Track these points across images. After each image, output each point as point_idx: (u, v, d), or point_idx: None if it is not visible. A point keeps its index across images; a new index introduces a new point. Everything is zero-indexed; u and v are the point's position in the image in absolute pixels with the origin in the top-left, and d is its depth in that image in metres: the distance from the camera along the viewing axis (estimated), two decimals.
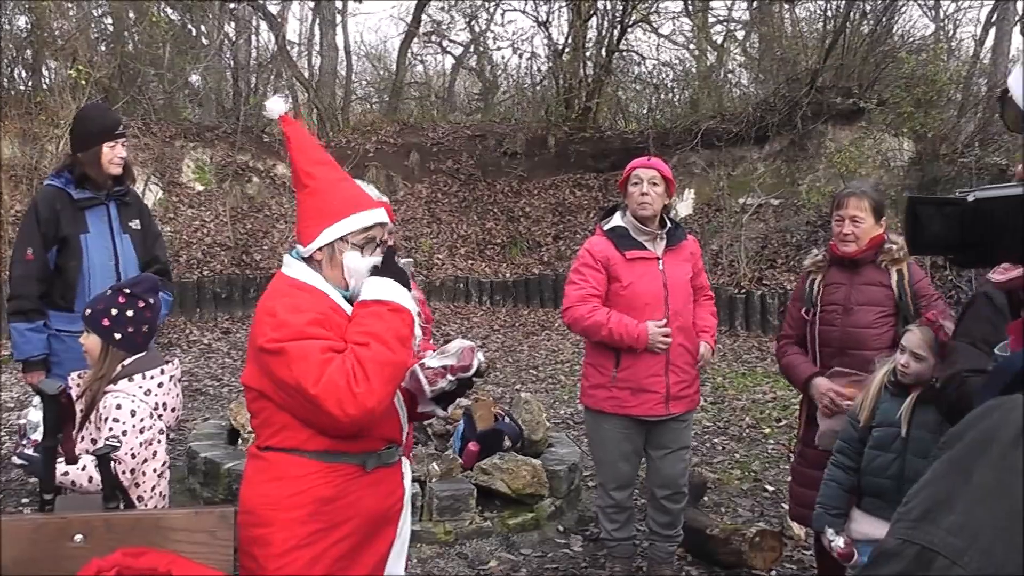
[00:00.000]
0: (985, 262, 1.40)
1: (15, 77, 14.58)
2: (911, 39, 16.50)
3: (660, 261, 4.82)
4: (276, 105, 3.11)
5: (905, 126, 14.25)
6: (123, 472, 3.31)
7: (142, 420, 3.42)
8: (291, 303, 2.85)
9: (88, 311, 3.50)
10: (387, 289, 2.91)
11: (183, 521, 2.90)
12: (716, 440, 8.27)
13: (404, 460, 3.17)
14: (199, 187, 14.83)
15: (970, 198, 1.30)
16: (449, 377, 3.05)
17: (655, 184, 4.79)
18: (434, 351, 3.18)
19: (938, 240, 1.36)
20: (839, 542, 3.93)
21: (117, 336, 3.48)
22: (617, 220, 4.93)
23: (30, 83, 14.51)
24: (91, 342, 3.50)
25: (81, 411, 3.44)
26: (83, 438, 3.45)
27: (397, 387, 2.90)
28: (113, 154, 4.87)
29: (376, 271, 2.94)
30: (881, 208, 4.48)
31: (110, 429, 3.36)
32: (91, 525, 2.78)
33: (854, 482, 3.98)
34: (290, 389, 2.77)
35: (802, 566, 5.56)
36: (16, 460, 3.21)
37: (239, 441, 6.37)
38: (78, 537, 2.74)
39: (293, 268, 2.99)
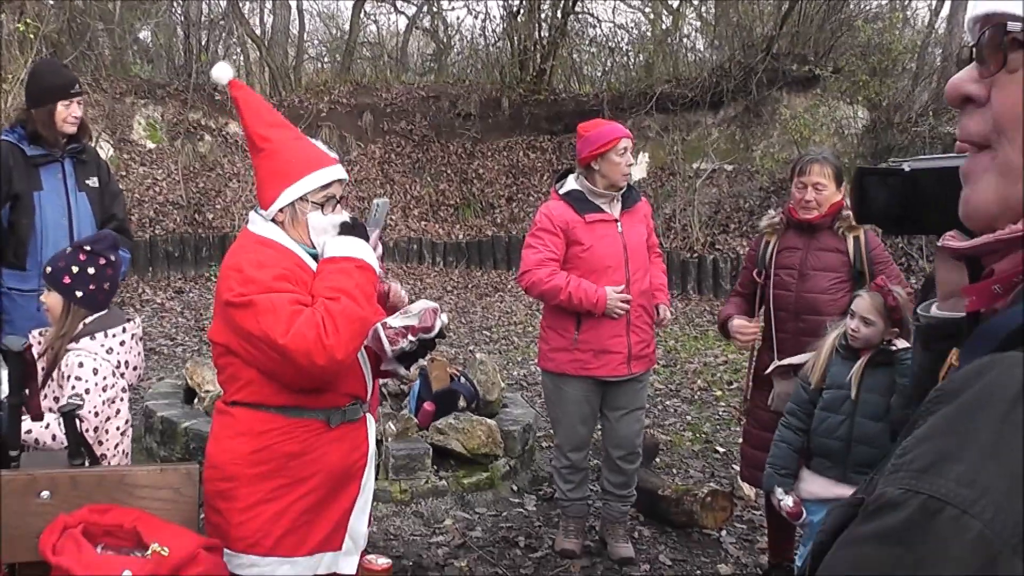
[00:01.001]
0: (914, 231, 1.44)
1: None
2: (867, 7, 16.61)
3: (619, 223, 4.87)
4: (223, 71, 3.09)
5: (860, 94, 14.39)
6: (86, 430, 3.32)
7: (104, 378, 3.43)
8: (256, 259, 2.88)
9: (49, 269, 3.49)
10: (354, 247, 2.95)
11: (148, 478, 2.93)
12: (668, 402, 8.39)
13: (369, 417, 3.21)
14: (150, 145, 14.64)
15: (905, 167, 1.33)
16: (410, 338, 3.09)
17: (631, 153, 4.90)
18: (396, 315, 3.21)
19: (882, 211, 1.37)
20: (788, 501, 4.05)
21: (79, 294, 3.48)
22: (571, 183, 4.95)
23: None
24: (52, 300, 3.49)
25: (42, 369, 3.45)
26: (45, 396, 3.46)
27: (363, 342, 2.94)
28: (67, 113, 4.80)
29: (342, 229, 2.96)
30: (841, 175, 4.54)
31: (72, 387, 3.37)
32: (57, 482, 2.80)
33: (803, 443, 4.08)
34: (257, 341, 2.80)
35: (752, 525, 5.69)
36: None
37: (195, 400, 6.36)
38: (44, 494, 2.76)
39: (258, 225, 3.00)
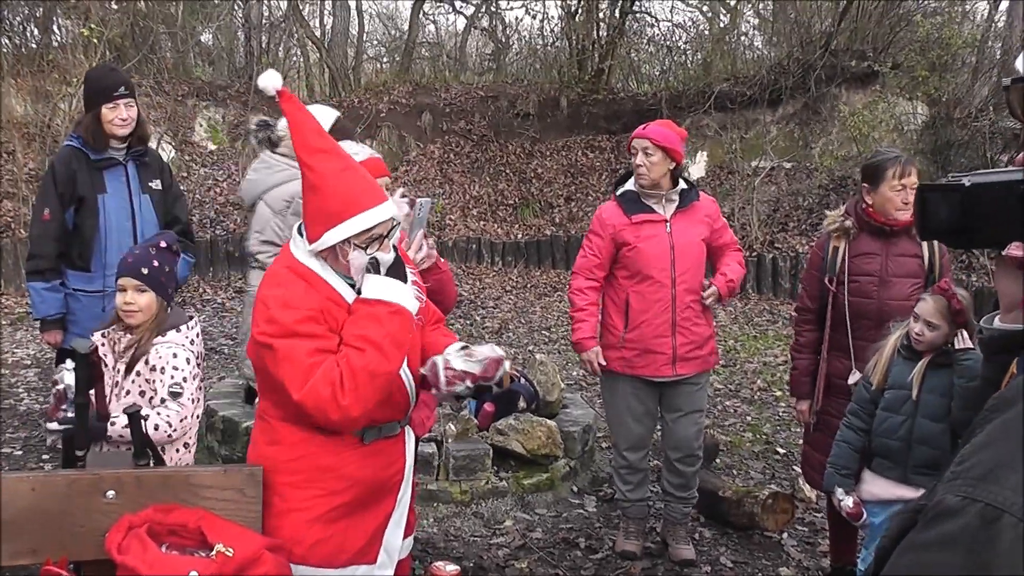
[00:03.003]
0: (975, 245, 1.42)
1: (27, 35, 14.54)
2: (926, 2, 16.32)
3: (668, 224, 4.85)
4: (271, 80, 2.95)
5: (919, 90, 14.16)
6: (181, 419, 3.48)
7: (194, 368, 3.55)
8: (284, 297, 2.81)
9: (144, 270, 3.56)
10: (390, 289, 2.86)
11: (212, 479, 2.95)
12: (728, 403, 8.32)
13: (408, 431, 3.18)
14: (211, 146, 14.83)
15: (965, 182, 1.31)
16: (468, 384, 3.01)
17: (648, 153, 4.80)
18: (461, 347, 3.12)
19: (943, 226, 1.36)
20: (848, 501, 4.02)
21: (170, 291, 3.62)
22: (629, 185, 4.99)
23: (42, 41, 14.46)
24: (148, 299, 3.58)
25: (120, 367, 3.56)
26: (128, 392, 3.57)
27: (387, 393, 2.88)
28: (114, 115, 4.84)
29: (376, 267, 2.87)
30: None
31: (171, 378, 3.50)
32: (122, 481, 2.83)
33: (864, 443, 4.06)
34: (276, 383, 2.79)
35: (813, 528, 5.62)
36: (53, 426, 3.23)
37: (256, 400, 6.41)
38: (110, 493, 2.80)
39: (300, 250, 2.92)
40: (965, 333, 3.84)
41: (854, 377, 4.40)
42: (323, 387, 2.70)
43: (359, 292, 2.89)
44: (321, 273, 2.87)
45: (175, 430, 3.48)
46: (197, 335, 3.67)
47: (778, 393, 8.60)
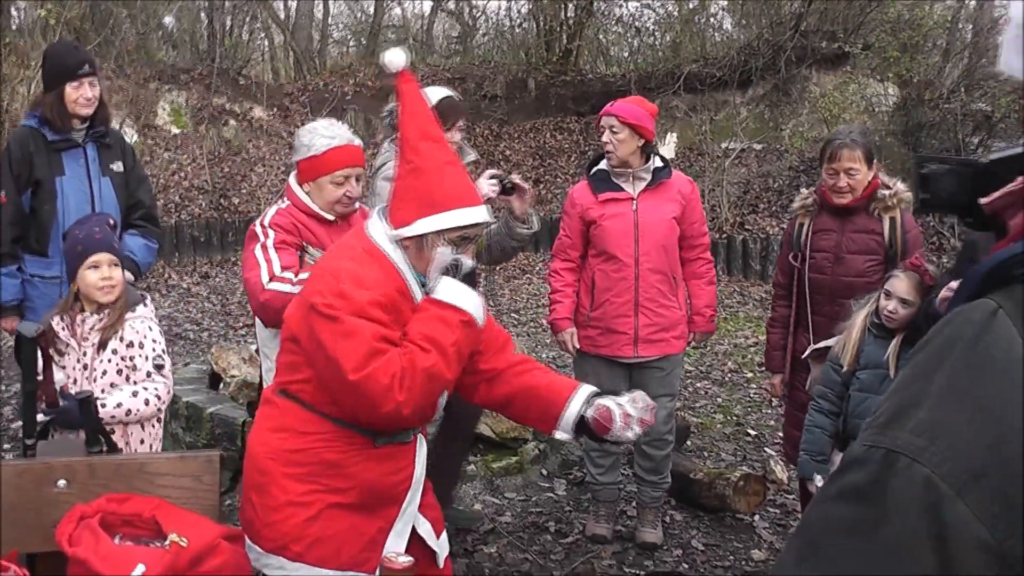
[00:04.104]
0: (975, 223, 1.41)
1: None
2: None
3: (634, 202, 4.79)
4: (397, 57, 2.89)
5: (890, 71, 14.16)
6: (170, 390, 3.52)
7: (152, 350, 3.50)
8: (358, 273, 2.72)
9: (116, 245, 3.54)
10: (467, 297, 2.79)
11: (168, 466, 2.87)
12: (698, 384, 8.29)
13: (420, 438, 3.06)
14: (175, 130, 14.62)
15: (985, 159, 1.32)
16: (637, 430, 2.92)
17: (615, 131, 4.74)
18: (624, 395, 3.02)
19: (950, 199, 1.38)
20: None
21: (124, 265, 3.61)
22: (602, 164, 4.93)
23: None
24: (119, 274, 3.54)
25: (99, 343, 3.50)
26: (106, 372, 3.49)
27: (436, 399, 2.82)
28: (78, 94, 4.66)
29: (455, 270, 2.80)
30: (872, 154, 4.44)
31: (153, 351, 3.49)
32: (74, 470, 2.74)
33: (837, 427, 4.01)
34: (327, 358, 2.67)
35: (785, 510, 5.59)
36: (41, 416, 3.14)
37: (220, 385, 6.32)
38: (61, 482, 2.70)
39: (378, 234, 2.83)
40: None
41: (808, 351, 4.42)
42: (383, 376, 2.62)
43: (427, 292, 2.81)
44: (397, 262, 2.79)
45: (164, 403, 3.48)
46: (153, 312, 3.62)
47: (749, 375, 8.58)
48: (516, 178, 4.50)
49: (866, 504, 0.94)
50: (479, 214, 2.83)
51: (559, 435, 2.99)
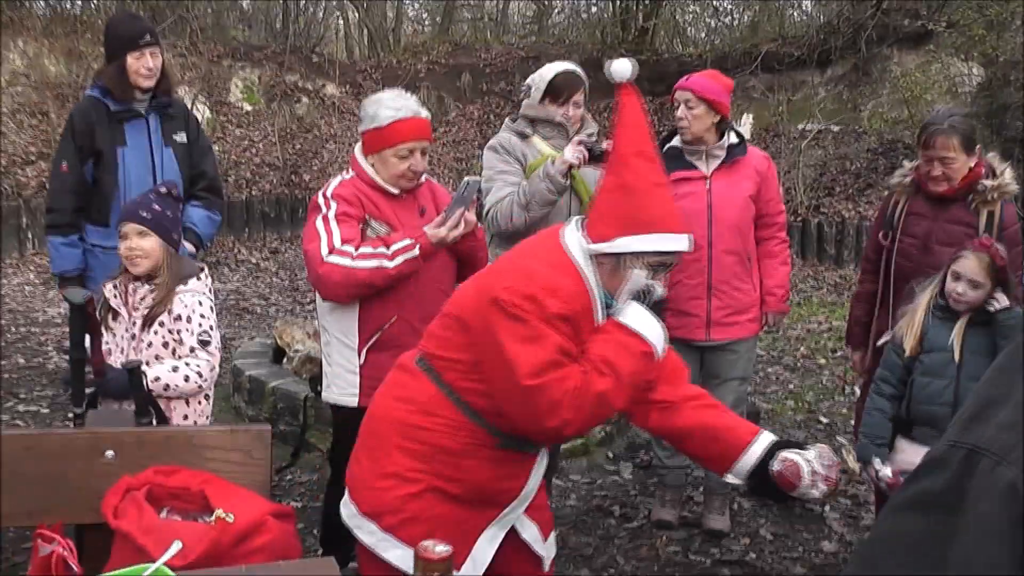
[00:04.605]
0: None
1: None
2: None
3: (708, 180, 4.61)
4: (624, 68, 2.86)
5: (975, 50, 13.66)
6: (214, 368, 3.42)
7: (215, 317, 3.47)
8: (553, 282, 2.63)
9: (144, 213, 3.41)
10: (653, 328, 2.70)
11: (217, 439, 2.80)
12: (770, 370, 8.10)
13: (543, 453, 2.96)
14: (247, 107, 14.71)
15: None
16: (822, 487, 2.81)
17: (690, 106, 4.57)
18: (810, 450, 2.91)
19: None
20: (887, 472, 3.82)
21: (174, 236, 3.51)
22: (675, 141, 4.76)
23: (78, 2, 14.38)
24: (150, 244, 3.43)
25: (147, 315, 3.44)
26: (151, 344, 3.44)
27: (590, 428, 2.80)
28: (139, 65, 4.61)
29: (645, 296, 2.72)
30: (971, 139, 4.18)
31: (200, 326, 3.40)
32: (122, 441, 2.68)
33: (898, 411, 3.90)
34: (499, 354, 2.59)
35: (856, 501, 5.41)
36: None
37: (284, 360, 6.30)
38: (109, 453, 2.65)
39: (573, 242, 2.73)
40: (1003, 292, 3.70)
41: (884, 338, 4.22)
42: (557, 389, 2.55)
43: (611, 313, 2.73)
44: (587, 279, 2.70)
45: (206, 380, 3.40)
46: (210, 285, 3.54)
47: (822, 361, 8.36)
48: (606, 143, 4.32)
49: (939, 514, 0.81)
50: (683, 242, 2.74)
51: (730, 479, 2.92)
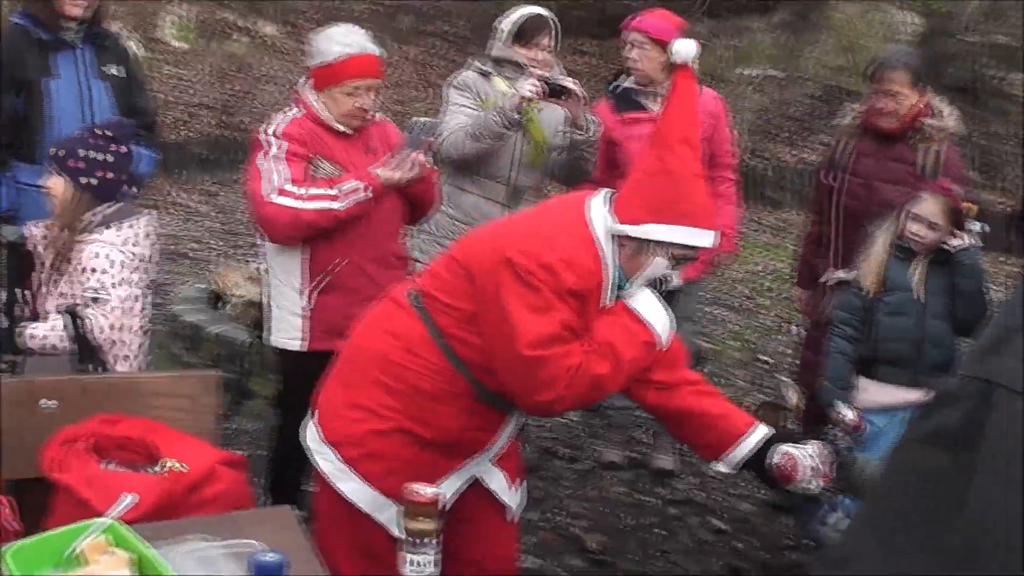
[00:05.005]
0: None
1: None
2: None
3: None
4: (689, 49, 2.73)
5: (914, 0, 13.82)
6: (109, 327, 3.07)
7: (125, 272, 3.17)
8: (572, 255, 2.56)
9: (56, 151, 3.20)
10: (661, 318, 2.66)
11: (164, 385, 2.71)
12: (712, 310, 8.13)
13: (517, 415, 2.88)
14: (180, 45, 14.31)
15: None
16: (817, 483, 2.79)
17: (641, 47, 4.52)
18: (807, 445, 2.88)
19: None
20: (850, 415, 3.85)
21: (88, 181, 3.19)
22: (624, 81, 4.73)
23: None
24: (57, 185, 3.20)
25: (51, 263, 3.19)
26: (58, 294, 3.20)
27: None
28: None
29: (661, 285, 2.68)
30: (920, 75, 4.24)
31: (96, 280, 3.11)
32: (62, 389, 2.56)
33: (860, 352, 3.94)
34: (506, 322, 2.51)
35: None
36: None
37: (222, 305, 6.15)
38: (47, 403, 2.53)
39: (598, 218, 2.65)
40: (961, 232, 3.79)
41: (830, 276, 4.33)
42: (556, 365, 2.49)
43: (621, 295, 2.67)
44: (606, 259, 2.62)
45: (98, 340, 3.05)
46: (144, 235, 3.29)
47: (763, 301, 8.46)
48: (568, 81, 4.27)
49: (959, 450, 0.77)
50: (711, 238, 2.68)
51: (720, 467, 2.90)
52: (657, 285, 2.68)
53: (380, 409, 2.67)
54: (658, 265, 2.63)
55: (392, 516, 2.64)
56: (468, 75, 4.49)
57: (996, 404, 0.75)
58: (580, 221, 2.64)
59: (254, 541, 1.95)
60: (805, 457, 2.76)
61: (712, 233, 2.70)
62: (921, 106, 4.23)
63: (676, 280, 2.72)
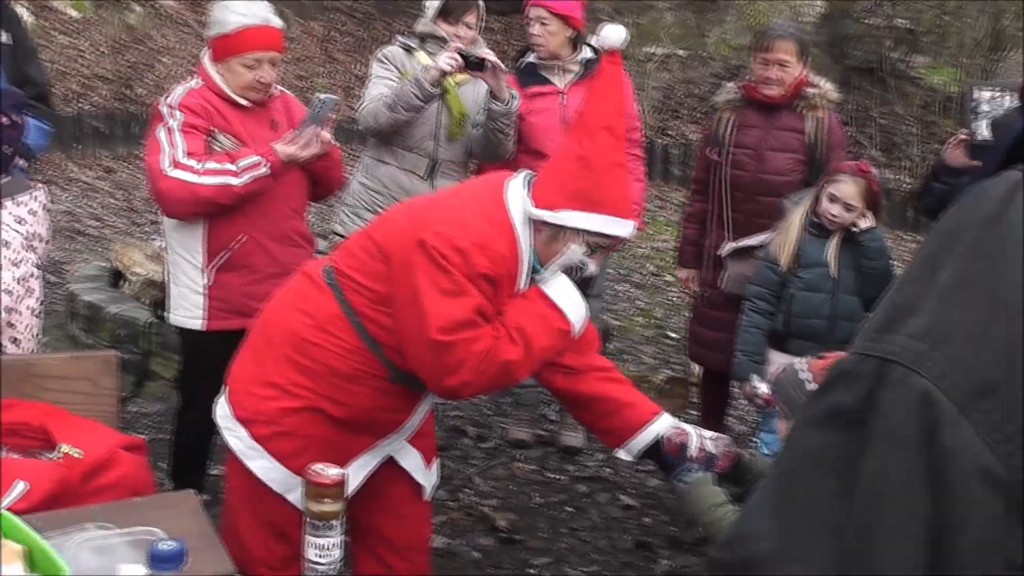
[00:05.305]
0: None
1: None
2: None
3: (563, 96, 4.60)
4: (617, 35, 2.72)
5: None
6: (5, 310, 3.00)
7: (15, 252, 3.06)
8: (487, 240, 2.51)
9: None
10: (576, 305, 2.62)
11: (60, 367, 2.61)
12: (618, 287, 8.22)
13: (431, 395, 2.83)
14: (74, 13, 13.85)
15: None
16: (707, 468, 2.72)
17: (545, 23, 4.53)
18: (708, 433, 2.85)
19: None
20: (764, 388, 3.90)
21: None
22: (529, 58, 4.74)
23: None
24: None
25: None
26: None
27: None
28: None
29: (576, 272, 2.63)
30: (806, 49, 4.41)
31: None
32: None
33: (773, 326, 4.02)
34: (416, 305, 2.47)
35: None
36: None
37: (123, 283, 6.00)
38: None
39: (516, 205, 2.60)
40: (871, 213, 3.88)
41: (726, 248, 4.41)
42: (464, 350, 2.45)
43: (537, 280, 2.63)
44: (522, 244, 2.58)
45: None
46: (33, 212, 3.18)
47: (669, 278, 8.54)
48: (487, 52, 4.29)
49: (849, 429, 0.76)
50: (628, 228, 2.68)
51: (622, 455, 2.90)
52: (573, 272, 2.67)
53: (292, 387, 2.63)
54: (574, 252, 2.61)
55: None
56: (392, 49, 4.53)
57: (891, 381, 0.74)
58: (498, 204, 2.61)
59: (155, 528, 1.89)
60: (698, 436, 2.77)
61: (629, 223, 2.69)
62: (804, 77, 4.38)
63: (593, 268, 2.70)
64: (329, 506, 2.00)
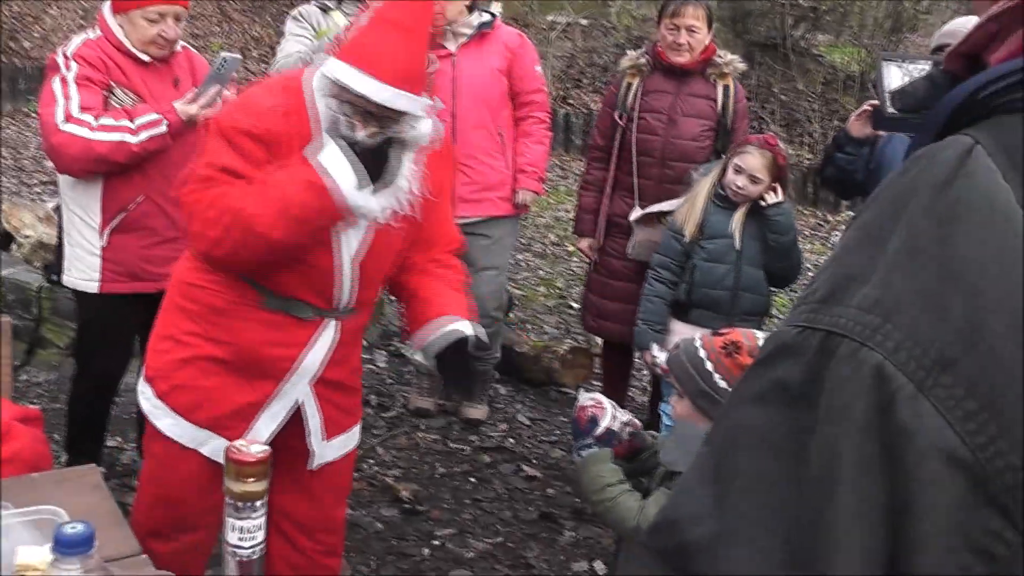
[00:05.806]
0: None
1: None
2: None
3: (453, 57, 4.56)
4: None
5: None
6: None
7: None
8: (258, 100, 2.49)
9: None
10: (338, 167, 2.38)
11: None
12: (520, 257, 8.22)
13: (333, 325, 2.67)
14: None
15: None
16: (609, 442, 2.68)
17: None
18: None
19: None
20: (663, 358, 3.93)
21: None
22: None
23: None
24: None
25: None
26: None
27: (262, 257, 2.47)
28: None
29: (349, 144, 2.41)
30: (712, 17, 4.48)
31: None
32: None
33: (676, 296, 4.03)
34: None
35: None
36: None
37: (13, 246, 5.78)
38: None
39: (312, 70, 2.48)
40: (779, 187, 3.91)
41: (635, 213, 4.42)
42: (191, 198, 2.45)
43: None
44: (310, 100, 2.44)
45: None
46: None
47: (570, 248, 8.57)
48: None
49: (795, 407, 0.72)
50: (383, 93, 2.34)
51: (415, 355, 2.84)
52: (351, 145, 2.42)
53: (181, 335, 2.62)
54: (327, 106, 2.41)
55: (217, 447, 2.51)
56: (309, 7, 4.46)
57: (839, 356, 0.70)
58: (296, 73, 2.57)
59: (57, 507, 1.82)
60: (613, 419, 2.72)
61: (389, 89, 2.35)
62: (713, 44, 4.47)
63: (361, 135, 2.40)
64: (252, 486, 1.83)
